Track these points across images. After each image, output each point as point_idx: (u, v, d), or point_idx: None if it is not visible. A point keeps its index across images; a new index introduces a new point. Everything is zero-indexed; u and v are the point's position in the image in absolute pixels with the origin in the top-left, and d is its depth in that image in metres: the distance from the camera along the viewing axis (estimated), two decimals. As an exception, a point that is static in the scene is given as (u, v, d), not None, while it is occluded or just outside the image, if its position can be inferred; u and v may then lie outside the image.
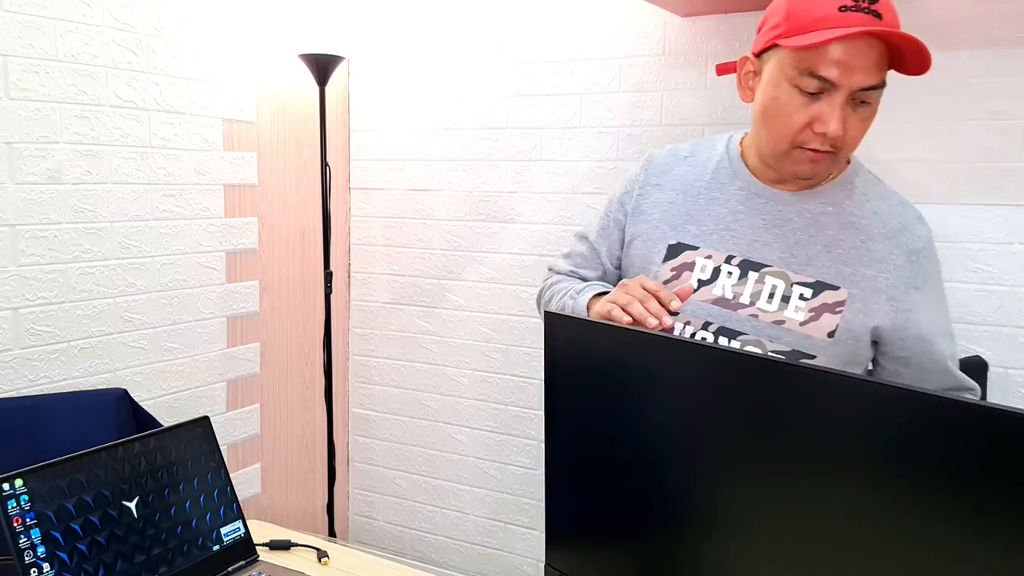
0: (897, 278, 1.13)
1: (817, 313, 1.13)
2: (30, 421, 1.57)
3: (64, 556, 1.04)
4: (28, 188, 1.70)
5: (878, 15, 1.02)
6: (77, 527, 1.06)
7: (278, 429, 2.40)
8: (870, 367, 1.24)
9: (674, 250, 1.21)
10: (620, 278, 1.31)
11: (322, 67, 2.15)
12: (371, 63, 2.47)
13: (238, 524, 1.28)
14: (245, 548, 1.28)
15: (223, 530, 1.25)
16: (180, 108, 2.00)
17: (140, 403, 1.77)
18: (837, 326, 1.12)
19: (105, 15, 1.81)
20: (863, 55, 1.02)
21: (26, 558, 1.00)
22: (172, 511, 1.19)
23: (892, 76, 1.11)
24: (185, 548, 1.19)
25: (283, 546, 1.34)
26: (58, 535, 1.04)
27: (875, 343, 1.18)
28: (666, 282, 1.21)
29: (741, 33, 1.95)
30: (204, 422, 1.28)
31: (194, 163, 2.05)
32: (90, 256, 1.83)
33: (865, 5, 1.02)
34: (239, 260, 2.21)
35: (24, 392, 1.71)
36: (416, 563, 1.30)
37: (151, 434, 1.20)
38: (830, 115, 1.04)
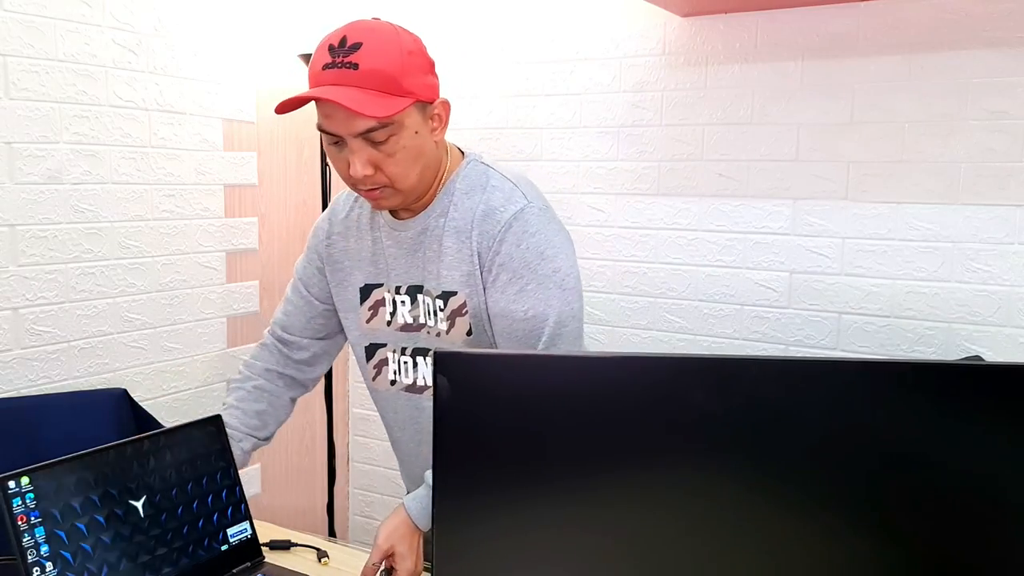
0: (483, 262, 1.18)
1: (452, 320, 1.21)
2: (30, 421, 1.57)
3: (67, 555, 1.03)
4: (28, 188, 1.70)
5: (354, 66, 1.08)
6: (82, 526, 1.05)
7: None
8: None
9: (365, 292, 1.31)
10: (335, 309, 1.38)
11: (322, 67, 2.15)
12: (371, 63, 2.47)
13: (245, 525, 1.26)
14: (252, 549, 1.26)
15: (230, 531, 1.24)
16: (180, 108, 2.00)
17: (140, 403, 1.77)
18: (470, 325, 1.20)
19: (105, 15, 1.81)
20: (341, 107, 1.08)
21: (29, 557, 1.00)
22: (179, 511, 1.17)
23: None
24: (191, 548, 1.17)
25: (283, 546, 1.34)
26: (62, 534, 1.03)
27: None
28: (368, 320, 1.30)
29: (741, 33, 1.95)
30: (216, 421, 1.26)
31: (194, 163, 2.05)
32: (90, 256, 1.83)
33: (340, 60, 1.09)
34: (239, 260, 2.21)
35: (24, 392, 1.71)
36: (416, 563, 1.30)
37: (161, 432, 1.18)
38: (351, 160, 1.12)
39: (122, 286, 1.90)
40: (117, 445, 1.12)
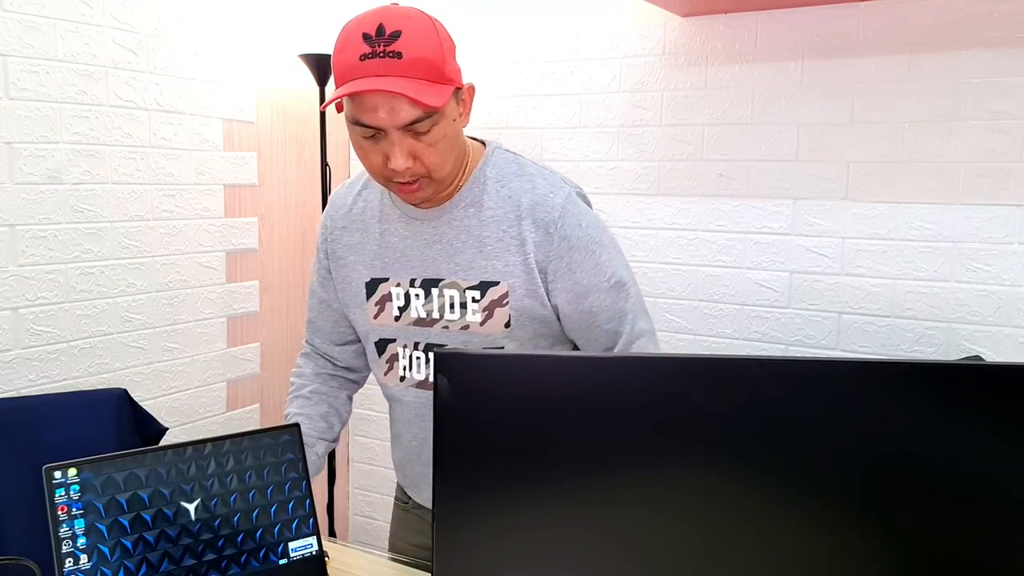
0: (540, 254, 1.17)
1: (490, 311, 1.19)
2: (30, 421, 1.57)
3: (105, 549, 1.02)
4: (28, 188, 1.70)
5: (397, 55, 1.05)
6: (125, 522, 1.04)
7: (278, 429, 2.40)
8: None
9: (371, 286, 1.28)
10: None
11: (322, 67, 2.15)
12: (371, 63, 2.47)
13: (311, 541, 1.19)
14: (315, 567, 1.19)
15: (292, 544, 1.17)
16: (180, 108, 2.00)
17: (140, 403, 1.77)
18: (510, 316, 1.18)
19: (105, 15, 1.81)
20: (389, 99, 1.05)
21: (64, 547, 0.99)
22: (236, 518, 1.12)
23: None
24: (243, 558, 1.12)
25: (283, 546, 1.34)
26: (103, 528, 1.02)
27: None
28: (375, 316, 1.28)
29: (741, 33, 1.95)
30: (293, 430, 1.20)
31: (194, 163, 2.05)
32: (90, 256, 1.83)
33: (381, 49, 1.05)
34: (239, 260, 2.21)
35: (24, 392, 1.71)
36: (416, 562, 1.30)
37: (227, 437, 1.14)
38: (391, 153, 1.09)
39: (122, 286, 1.90)
40: (176, 445, 1.09)
